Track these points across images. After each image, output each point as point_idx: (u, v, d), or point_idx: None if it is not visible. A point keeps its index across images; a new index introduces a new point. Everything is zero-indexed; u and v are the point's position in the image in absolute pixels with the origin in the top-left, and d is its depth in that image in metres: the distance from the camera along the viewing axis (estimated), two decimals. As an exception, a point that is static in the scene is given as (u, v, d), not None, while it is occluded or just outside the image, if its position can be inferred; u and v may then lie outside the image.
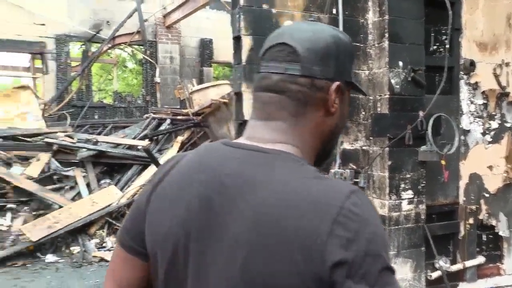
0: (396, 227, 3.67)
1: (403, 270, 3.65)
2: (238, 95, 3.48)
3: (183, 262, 0.86)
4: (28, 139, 8.10)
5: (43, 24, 10.41)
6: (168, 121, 9.17)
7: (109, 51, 11.84)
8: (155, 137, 8.77)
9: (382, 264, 0.76)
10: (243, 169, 0.85)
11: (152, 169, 7.57)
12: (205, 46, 12.20)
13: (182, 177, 0.91)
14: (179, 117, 9.05)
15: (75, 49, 13.24)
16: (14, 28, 10.03)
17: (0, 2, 9.89)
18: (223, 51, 11.34)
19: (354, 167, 3.75)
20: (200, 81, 11.00)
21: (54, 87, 10.58)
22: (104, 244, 6.36)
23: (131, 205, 1.01)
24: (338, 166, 3.68)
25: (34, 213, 6.76)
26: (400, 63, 3.68)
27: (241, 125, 3.40)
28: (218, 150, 0.91)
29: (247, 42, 3.41)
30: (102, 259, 5.91)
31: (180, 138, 8.62)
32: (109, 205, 6.69)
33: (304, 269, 0.74)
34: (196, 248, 0.84)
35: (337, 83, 0.91)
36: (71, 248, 6.25)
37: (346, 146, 3.75)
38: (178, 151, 8.07)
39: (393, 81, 3.65)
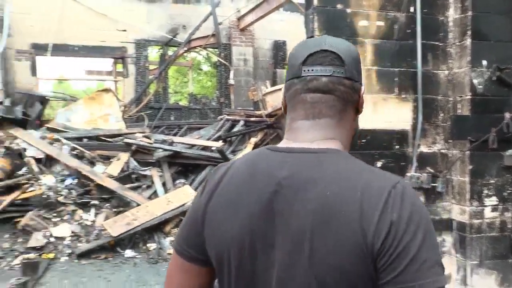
0: (478, 235, 3.46)
1: (485, 282, 3.44)
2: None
3: (252, 260, 0.94)
4: (110, 140, 8.53)
5: (125, 30, 10.93)
6: (241, 122, 9.27)
7: (185, 54, 12.22)
8: (229, 139, 8.91)
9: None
10: (298, 171, 0.93)
11: (225, 170, 7.68)
12: (279, 48, 12.24)
13: (239, 184, 0.98)
14: (252, 119, 9.14)
15: (153, 53, 13.81)
16: (99, 35, 10.62)
17: (86, 11, 10.50)
18: (296, 52, 11.27)
19: (432, 170, 3.59)
20: (274, 83, 11.05)
21: (133, 90, 11.07)
22: (178, 242, 6.54)
23: (186, 215, 1.06)
24: (414, 169, 3.53)
25: (114, 210, 7.11)
26: (484, 62, 3.47)
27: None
28: (269, 156, 0.99)
29: (320, 43, 3.35)
30: (176, 257, 6.07)
31: (253, 140, 8.70)
32: (183, 205, 6.89)
33: (365, 250, 0.84)
34: (262, 246, 0.93)
35: (363, 87, 1.05)
36: (148, 245, 6.51)
37: (423, 149, 3.60)
38: (250, 152, 8.12)
39: (475, 81, 3.46)
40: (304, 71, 1.00)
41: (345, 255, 0.84)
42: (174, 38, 11.05)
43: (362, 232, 0.84)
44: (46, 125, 8.94)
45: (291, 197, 0.91)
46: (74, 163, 7.67)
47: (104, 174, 7.61)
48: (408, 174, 3.51)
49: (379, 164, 3.47)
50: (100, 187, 7.36)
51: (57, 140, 8.12)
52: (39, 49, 10.36)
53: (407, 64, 3.54)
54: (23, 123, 8.77)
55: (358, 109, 1.05)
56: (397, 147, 3.54)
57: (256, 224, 0.93)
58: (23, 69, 10.38)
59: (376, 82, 3.49)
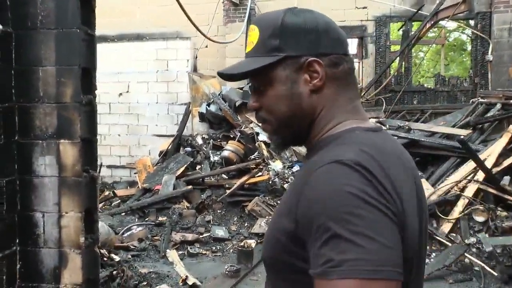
0: None
1: None
2: None
3: (422, 253, 1.00)
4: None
5: (365, 7, 10.16)
6: (498, 106, 7.54)
7: (432, 29, 10.73)
8: (480, 125, 7.32)
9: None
10: (401, 152, 1.02)
11: (470, 164, 6.28)
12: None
13: (398, 174, 0.93)
14: (512, 101, 7.32)
15: (394, 30, 12.66)
16: (338, 14, 10.13)
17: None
18: None
19: None
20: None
21: (373, 71, 10.24)
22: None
23: (386, 222, 0.86)
24: None
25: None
26: None
27: None
28: (377, 137, 1.00)
29: None
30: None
31: (512, 127, 6.94)
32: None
33: None
34: (424, 236, 1.01)
35: None
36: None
37: None
38: (508, 144, 6.46)
39: None
40: (348, 54, 1.05)
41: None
42: (419, 11, 9.74)
43: None
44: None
45: (414, 175, 0.99)
46: (303, 149, 7.35)
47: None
48: None
49: None
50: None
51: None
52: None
53: None
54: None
55: None
56: None
57: (423, 216, 0.98)
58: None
59: None
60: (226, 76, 1.11)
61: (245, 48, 1.12)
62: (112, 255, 4.74)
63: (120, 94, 10.47)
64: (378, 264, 0.80)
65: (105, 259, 4.49)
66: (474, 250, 5.48)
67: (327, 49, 1.02)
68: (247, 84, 8.29)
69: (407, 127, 7.54)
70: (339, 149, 0.95)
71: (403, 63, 10.32)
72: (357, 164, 0.88)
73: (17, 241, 2.92)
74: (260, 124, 1.14)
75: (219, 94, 9.14)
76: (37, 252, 2.91)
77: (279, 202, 1.21)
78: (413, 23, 10.32)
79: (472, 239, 5.62)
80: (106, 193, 8.39)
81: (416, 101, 10.09)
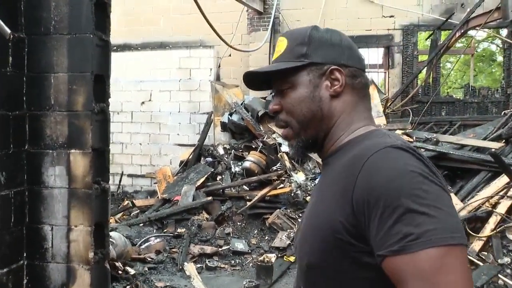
0: None
1: None
2: None
3: None
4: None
5: (392, 16, 9.91)
6: (533, 118, 7.20)
7: (462, 39, 10.39)
8: (512, 139, 6.98)
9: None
10: None
11: (503, 179, 5.96)
12: None
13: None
14: (548, 114, 6.95)
15: (422, 40, 12.32)
16: (364, 23, 9.91)
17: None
18: None
19: None
20: None
21: (399, 82, 9.96)
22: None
23: (445, 195, 0.94)
24: None
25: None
26: None
27: None
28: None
29: None
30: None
31: (548, 141, 6.58)
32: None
33: None
34: None
35: None
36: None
37: None
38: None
39: None
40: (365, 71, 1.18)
41: None
42: (448, 20, 9.44)
43: None
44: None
45: None
46: (324, 161, 7.13)
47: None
48: None
49: None
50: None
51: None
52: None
53: None
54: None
55: None
56: None
57: None
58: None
59: None
60: (249, 77, 1.20)
61: (272, 56, 1.27)
62: (127, 268, 4.60)
63: (143, 102, 10.43)
64: (453, 231, 0.87)
65: (119, 272, 4.36)
66: (508, 271, 5.16)
67: (348, 62, 1.12)
68: (270, 94, 8.14)
69: (435, 139, 7.25)
70: (383, 139, 1.02)
71: (431, 73, 10.01)
72: (409, 148, 0.96)
73: (25, 254, 2.80)
74: (280, 132, 1.22)
75: (241, 104, 9.00)
76: (45, 267, 2.78)
77: (309, 206, 1.17)
78: (441, 32, 10.01)
79: (506, 259, 5.30)
80: (125, 202, 8.30)
81: (445, 112, 9.76)
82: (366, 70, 1.22)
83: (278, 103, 1.15)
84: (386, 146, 0.96)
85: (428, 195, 0.88)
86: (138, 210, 7.73)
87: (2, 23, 2.17)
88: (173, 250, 6.15)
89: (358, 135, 1.09)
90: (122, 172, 10.30)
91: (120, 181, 10.21)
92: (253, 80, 1.21)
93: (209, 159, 8.50)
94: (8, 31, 2.19)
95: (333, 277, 1.00)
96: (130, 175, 10.49)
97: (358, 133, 1.10)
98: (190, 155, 9.02)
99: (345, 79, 1.11)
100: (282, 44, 1.15)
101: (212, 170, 8.07)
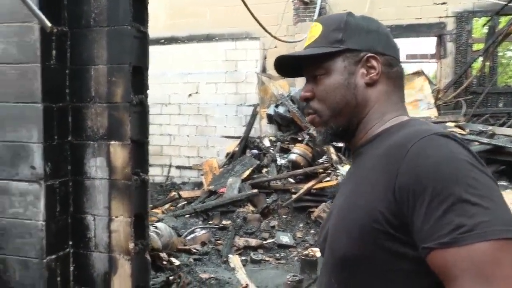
0: None
1: None
2: None
3: None
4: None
5: (444, 3, 9.51)
6: None
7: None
8: None
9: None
10: None
11: None
12: None
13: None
14: None
15: (478, 28, 11.73)
16: (414, 11, 9.56)
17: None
18: None
19: None
20: None
21: (452, 72, 9.55)
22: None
23: (495, 186, 0.89)
24: None
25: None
26: None
27: None
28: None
29: None
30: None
31: None
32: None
33: None
34: None
35: None
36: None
37: None
38: None
39: None
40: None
41: None
42: (509, 4, 8.93)
43: None
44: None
45: None
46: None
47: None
48: None
49: None
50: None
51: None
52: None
53: None
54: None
55: None
56: None
57: None
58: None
59: None
60: (281, 61, 1.15)
61: (306, 42, 1.15)
62: (172, 258, 4.65)
63: (190, 95, 10.54)
64: (508, 224, 0.81)
65: (164, 262, 4.41)
66: None
67: (385, 50, 1.09)
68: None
69: (490, 132, 6.90)
70: (425, 126, 0.98)
71: (488, 62, 9.53)
72: (455, 136, 0.92)
73: (70, 243, 2.86)
74: (307, 118, 1.15)
75: (287, 96, 8.91)
76: (89, 255, 2.83)
77: (339, 198, 1.10)
78: (500, 19, 9.50)
79: None
80: (172, 194, 8.43)
81: (502, 103, 9.28)
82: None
83: (311, 90, 1.12)
84: (431, 133, 0.91)
85: (480, 185, 0.84)
86: (185, 202, 7.83)
87: (43, 16, 2.21)
88: (218, 242, 6.18)
89: (393, 125, 1.05)
90: (170, 163, 10.48)
91: (168, 172, 10.40)
92: (284, 65, 1.17)
93: (255, 151, 8.49)
94: (49, 24, 2.22)
95: (368, 270, 0.95)
96: (178, 167, 10.65)
97: (392, 122, 1.06)
98: (236, 147, 9.04)
99: (381, 68, 1.08)
100: (316, 29, 1.12)
101: (258, 162, 8.05)
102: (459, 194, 0.82)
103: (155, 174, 10.38)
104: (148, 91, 2.91)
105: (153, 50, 11.36)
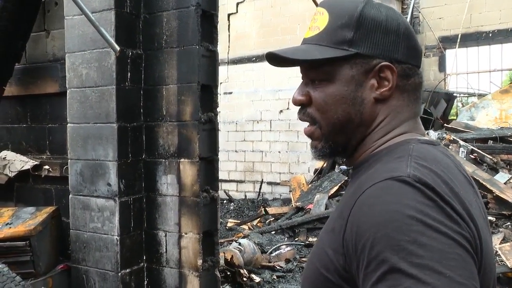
0: None
1: None
2: None
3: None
4: (520, 142, 6.81)
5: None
6: None
7: None
8: None
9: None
10: (458, 163, 0.88)
11: None
12: None
13: (467, 192, 0.81)
14: None
15: None
16: (493, 16, 8.83)
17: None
18: None
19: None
20: None
21: None
22: None
23: (456, 252, 0.70)
24: None
25: (515, 232, 5.51)
26: None
27: None
28: (436, 150, 0.87)
29: None
30: None
31: None
32: None
33: None
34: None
35: None
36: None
37: None
38: None
39: None
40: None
41: None
42: None
43: None
44: (446, 124, 8.01)
45: (481, 200, 0.88)
46: (470, 168, 6.44)
47: (507, 184, 6.07)
48: None
49: None
50: (499, 200, 5.89)
51: (454, 141, 7.07)
52: (447, 42, 9.48)
53: None
54: (425, 122, 8.18)
55: None
56: None
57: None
58: (430, 65, 9.77)
59: None
60: (278, 58, 0.92)
61: (306, 31, 0.94)
62: (253, 275, 4.63)
63: (281, 111, 10.58)
64: None
65: (244, 279, 4.40)
66: None
67: (403, 57, 0.89)
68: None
69: None
70: (394, 163, 0.80)
71: None
72: (417, 181, 0.73)
73: (144, 258, 2.96)
74: (305, 129, 0.96)
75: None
76: (161, 270, 2.90)
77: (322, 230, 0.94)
78: None
79: None
80: (260, 210, 8.47)
81: None
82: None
83: (306, 94, 0.91)
84: (385, 178, 0.75)
85: (424, 252, 0.66)
86: (272, 218, 7.82)
87: (112, 40, 2.33)
88: (303, 259, 6.06)
89: (384, 148, 0.89)
90: (262, 179, 10.56)
91: (260, 188, 10.48)
92: (278, 56, 0.92)
93: (343, 167, 8.27)
94: (118, 47, 2.33)
95: None
96: (269, 183, 10.69)
97: (390, 142, 0.89)
98: (325, 163, 8.88)
99: (396, 80, 0.88)
100: (321, 19, 0.90)
101: (346, 178, 7.83)
102: (394, 262, 0.67)
103: (247, 190, 10.52)
104: (218, 109, 2.95)
105: (245, 68, 11.60)
